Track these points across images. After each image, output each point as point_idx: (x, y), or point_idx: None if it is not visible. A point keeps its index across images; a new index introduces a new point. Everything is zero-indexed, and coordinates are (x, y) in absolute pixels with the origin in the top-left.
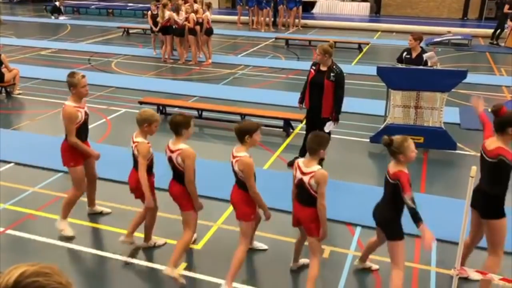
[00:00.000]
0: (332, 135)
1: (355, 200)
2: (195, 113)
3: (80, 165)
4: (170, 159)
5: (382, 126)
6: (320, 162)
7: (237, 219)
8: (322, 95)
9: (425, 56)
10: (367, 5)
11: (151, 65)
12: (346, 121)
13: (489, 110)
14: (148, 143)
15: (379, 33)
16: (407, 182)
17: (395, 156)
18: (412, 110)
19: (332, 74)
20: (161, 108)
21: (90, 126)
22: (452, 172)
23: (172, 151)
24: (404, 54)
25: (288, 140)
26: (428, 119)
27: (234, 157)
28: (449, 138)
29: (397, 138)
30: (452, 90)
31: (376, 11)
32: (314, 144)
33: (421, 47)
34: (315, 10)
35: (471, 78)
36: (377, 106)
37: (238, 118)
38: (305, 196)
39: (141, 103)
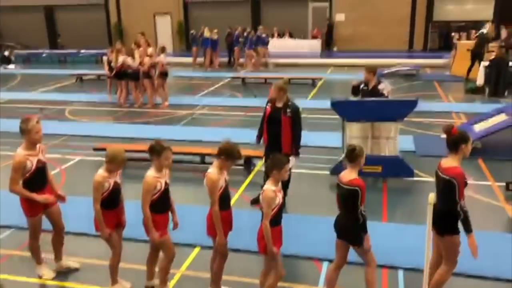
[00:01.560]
0: (292, 170)
1: (320, 234)
2: None
3: (36, 216)
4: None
5: (341, 158)
6: (286, 185)
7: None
8: (280, 131)
9: (380, 87)
10: (318, 41)
11: (106, 110)
12: (305, 155)
13: (441, 135)
14: (155, 177)
15: (332, 68)
16: (463, 186)
17: (456, 147)
18: (369, 140)
19: (288, 110)
20: None
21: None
22: (411, 199)
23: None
24: (361, 86)
25: (249, 178)
26: (384, 149)
27: (263, 191)
28: (406, 166)
29: (459, 127)
30: (405, 118)
31: (328, 46)
32: (269, 165)
33: (376, 78)
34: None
35: (422, 106)
36: (334, 138)
37: (197, 158)
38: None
39: (96, 149)
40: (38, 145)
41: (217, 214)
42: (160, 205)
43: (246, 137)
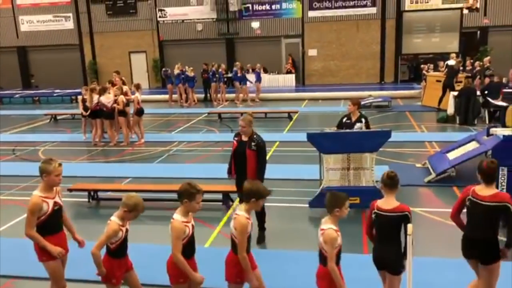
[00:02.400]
0: (270, 204)
1: (301, 269)
2: None
3: (53, 260)
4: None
5: (318, 190)
6: (261, 218)
7: None
8: (246, 164)
9: (362, 120)
10: (292, 76)
11: (81, 150)
12: (283, 188)
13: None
14: (183, 222)
15: (306, 101)
16: None
17: (494, 176)
18: (345, 171)
19: (253, 143)
20: (92, 194)
21: (12, 222)
22: None
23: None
24: (344, 119)
25: (228, 214)
26: (361, 179)
27: (321, 229)
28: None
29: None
30: (380, 149)
31: (303, 80)
32: (329, 203)
33: (359, 111)
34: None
35: (396, 136)
36: (311, 170)
37: (174, 196)
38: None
39: (70, 190)
40: (54, 188)
41: (246, 259)
42: (188, 250)
43: (223, 172)
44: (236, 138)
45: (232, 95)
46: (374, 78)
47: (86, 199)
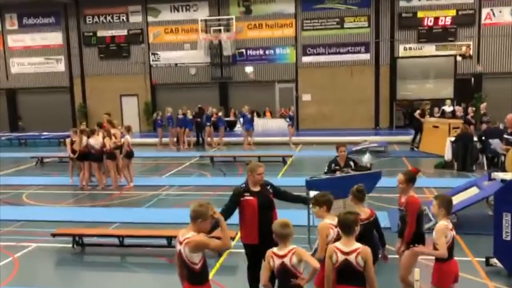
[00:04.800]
0: None
1: None
2: (115, 241)
3: None
4: (179, 255)
5: (315, 247)
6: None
7: None
8: (272, 215)
9: (365, 159)
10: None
11: (67, 193)
12: None
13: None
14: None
15: (301, 146)
16: None
17: None
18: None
19: (268, 187)
20: (77, 239)
21: None
22: (388, 277)
23: (180, 242)
24: (333, 165)
25: (221, 260)
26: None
27: (350, 252)
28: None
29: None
30: (378, 195)
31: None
32: (350, 223)
33: (347, 155)
34: (237, 128)
35: (393, 182)
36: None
37: (163, 241)
38: (352, 275)
39: (54, 235)
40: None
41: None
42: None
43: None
44: (247, 194)
45: (229, 139)
46: (369, 123)
47: (71, 245)
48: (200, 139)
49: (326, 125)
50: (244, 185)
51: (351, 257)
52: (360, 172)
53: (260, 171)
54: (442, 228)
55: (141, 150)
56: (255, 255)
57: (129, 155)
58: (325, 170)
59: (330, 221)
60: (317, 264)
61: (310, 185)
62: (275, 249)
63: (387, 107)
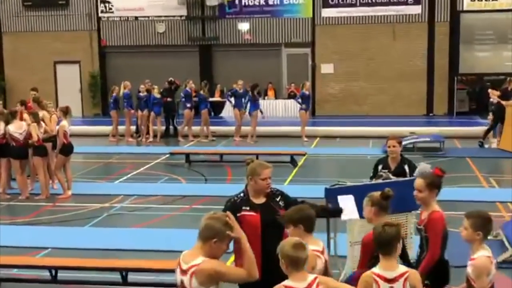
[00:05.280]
0: None
1: None
2: (45, 274)
3: None
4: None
5: (342, 277)
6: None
7: None
8: (282, 238)
9: (417, 171)
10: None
11: None
12: None
13: None
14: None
15: (318, 139)
16: None
17: None
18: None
19: (277, 199)
20: None
21: None
22: None
23: (184, 271)
24: (380, 167)
25: None
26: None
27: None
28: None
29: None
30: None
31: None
32: (391, 239)
33: (401, 154)
34: (225, 113)
35: (450, 194)
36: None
37: (116, 277)
38: None
39: None
40: None
41: None
42: None
43: (192, 241)
44: (245, 208)
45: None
46: (418, 108)
47: None
48: (171, 127)
49: (355, 110)
50: (242, 194)
51: (398, 286)
52: (400, 179)
53: (265, 175)
54: (484, 262)
55: (84, 142)
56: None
57: (67, 150)
58: (371, 175)
59: (313, 246)
60: None
61: (331, 195)
62: (289, 283)
63: (445, 85)
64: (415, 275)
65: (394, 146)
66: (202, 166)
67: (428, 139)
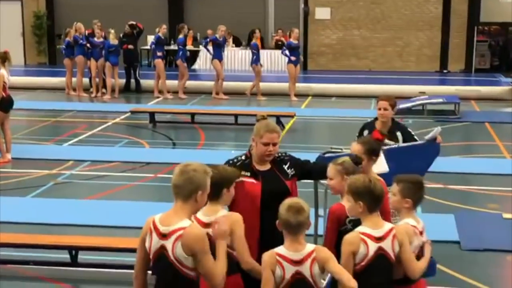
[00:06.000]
0: None
1: None
2: None
3: None
4: (159, 256)
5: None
6: None
7: None
8: None
9: (428, 137)
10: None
11: None
12: None
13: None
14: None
15: (310, 98)
16: None
17: None
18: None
19: (285, 166)
20: None
21: None
22: None
23: (164, 235)
24: (365, 132)
25: None
26: None
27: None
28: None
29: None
30: (441, 185)
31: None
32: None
33: (392, 118)
34: (198, 65)
35: (466, 165)
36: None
37: (64, 256)
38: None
39: None
40: None
41: None
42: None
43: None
44: (245, 174)
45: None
46: (430, 64)
47: None
48: (133, 81)
49: (355, 64)
50: (243, 157)
51: (387, 244)
52: (403, 144)
53: (267, 139)
54: (404, 230)
55: (27, 97)
56: (250, 285)
57: (5, 104)
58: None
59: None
60: (352, 283)
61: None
62: (282, 250)
63: (463, 36)
64: (401, 229)
65: (385, 109)
66: (169, 127)
67: (441, 100)
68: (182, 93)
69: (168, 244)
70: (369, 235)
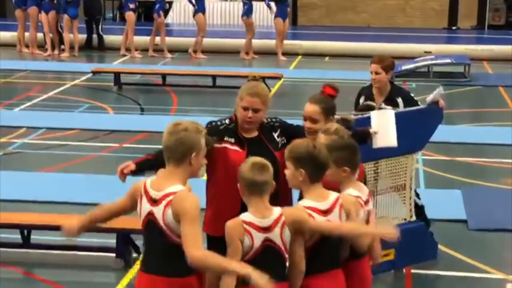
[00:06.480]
0: None
1: None
2: None
3: None
4: (148, 222)
5: None
6: None
7: None
8: (279, 187)
9: (430, 100)
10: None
11: None
12: None
13: None
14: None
15: (299, 58)
16: None
17: None
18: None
19: (274, 133)
20: None
21: None
22: None
23: (155, 200)
24: (361, 99)
25: (128, 276)
26: (394, 210)
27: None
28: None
29: None
30: (448, 158)
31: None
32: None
33: (391, 82)
34: (171, 19)
35: (477, 134)
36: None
37: (15, 237)
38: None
39: None
40: None
41: None
42: None
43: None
44: (228, 140)
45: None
46: (437, 19)
47: None
48: (95, 36)
49: (351, 19)
50: (228, 121)
51: (334, 217)
52: (402, 109)
53: (247, 102)
54: (347, 202)
55: None
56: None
57: None
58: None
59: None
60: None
61: None
62: (248, 217)
63: None
64: (347, 197)
65: (377, 73)
66: (137, 91)
67: (448, 61)
68: (167, 51)
69: (158, 210)
70: (314, 209)
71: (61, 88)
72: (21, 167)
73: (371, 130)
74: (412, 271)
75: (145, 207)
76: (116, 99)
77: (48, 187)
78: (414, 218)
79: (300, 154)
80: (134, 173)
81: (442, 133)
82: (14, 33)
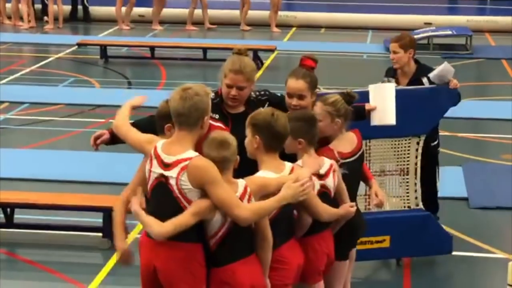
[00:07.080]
0: None
1: None
2: None
3: None
4: (159, 184)
5: None
6: None
7: None
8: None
9: (432, 75)
10: None
11: None
12: None
13: None
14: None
15: (294, 29)
16: None
17: None
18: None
19: (262, 108)
20: None
21: None
22: None
23: (168, 164)
24: (385, 80)
25: (116, 257)
26: (392, 198)
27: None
28: (441, 231)
29: None
30: (450, 134)
31: None
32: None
33: (416, 60)
34: None
35: (480, 109)
36: None
37: None
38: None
39: None
40: None
41: None
42: None
43: (109, 172)
44: (215, 116)
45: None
46: None
47: None
48: (80, 7)
49: None
50: (213, 95)
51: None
52: (404, 87)
53: (230, 80)
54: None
55: None
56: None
57: None
58: None
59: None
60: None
61: None
62: None
63: None
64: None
65: (395, 52)
66: (124, 64)
67: (449, 32)
68: (157, 23)
69: (172, 174)
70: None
71: (45, 61)
72: (3, 143)
73: (367, 106)
74: None
75: (155, 170)
76: (102, 72)
77: (31, 164)
78: (420, 206)
79: (257, 120)
80: (108, 143)
81: None
82: None
